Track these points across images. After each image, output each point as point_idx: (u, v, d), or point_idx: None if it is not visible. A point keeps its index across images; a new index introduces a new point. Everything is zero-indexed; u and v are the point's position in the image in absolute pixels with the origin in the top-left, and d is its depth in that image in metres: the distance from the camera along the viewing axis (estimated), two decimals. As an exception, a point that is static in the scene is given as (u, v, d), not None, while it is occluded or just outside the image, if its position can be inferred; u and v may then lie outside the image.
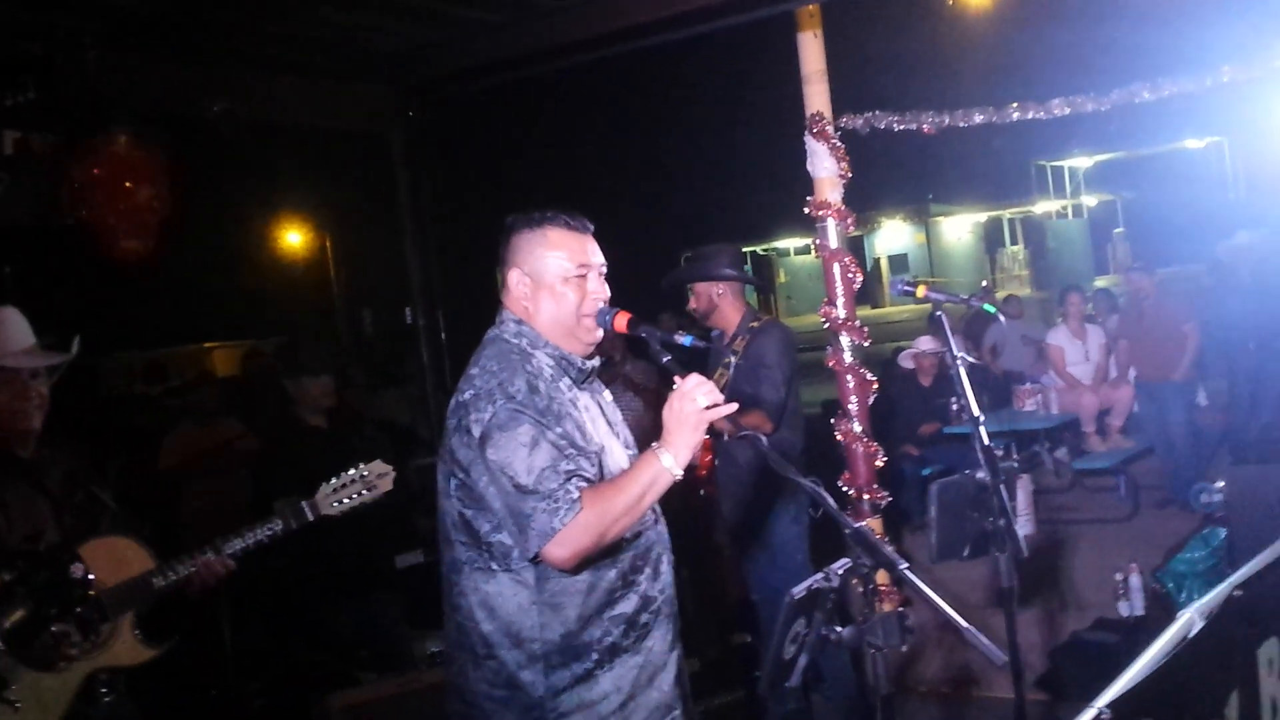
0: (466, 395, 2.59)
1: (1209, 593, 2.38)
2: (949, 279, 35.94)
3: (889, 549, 2.33)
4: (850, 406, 5.25)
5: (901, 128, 5.13)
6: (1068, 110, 4.87)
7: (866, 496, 5.19)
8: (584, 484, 2.48)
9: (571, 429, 2.58)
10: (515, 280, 2.72)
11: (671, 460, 2.46)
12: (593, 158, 30.35)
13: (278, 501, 3.58)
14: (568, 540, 2.43)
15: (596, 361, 2.81)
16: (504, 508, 2.49)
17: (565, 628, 2.57)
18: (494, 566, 2.58)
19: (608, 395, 2.92)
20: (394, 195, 6.85)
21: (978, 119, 5.04)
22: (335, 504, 3.56)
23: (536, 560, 2.50)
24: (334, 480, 3.57)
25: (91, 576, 3.23)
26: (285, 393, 5.27)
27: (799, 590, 2.31)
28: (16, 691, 3.11)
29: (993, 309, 4.45)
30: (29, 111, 4.95)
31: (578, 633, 2.58)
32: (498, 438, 2.49)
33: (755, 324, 5.01)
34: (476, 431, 2.52)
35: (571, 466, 2.49)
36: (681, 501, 4.32)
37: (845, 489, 5.20)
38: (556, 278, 2.69)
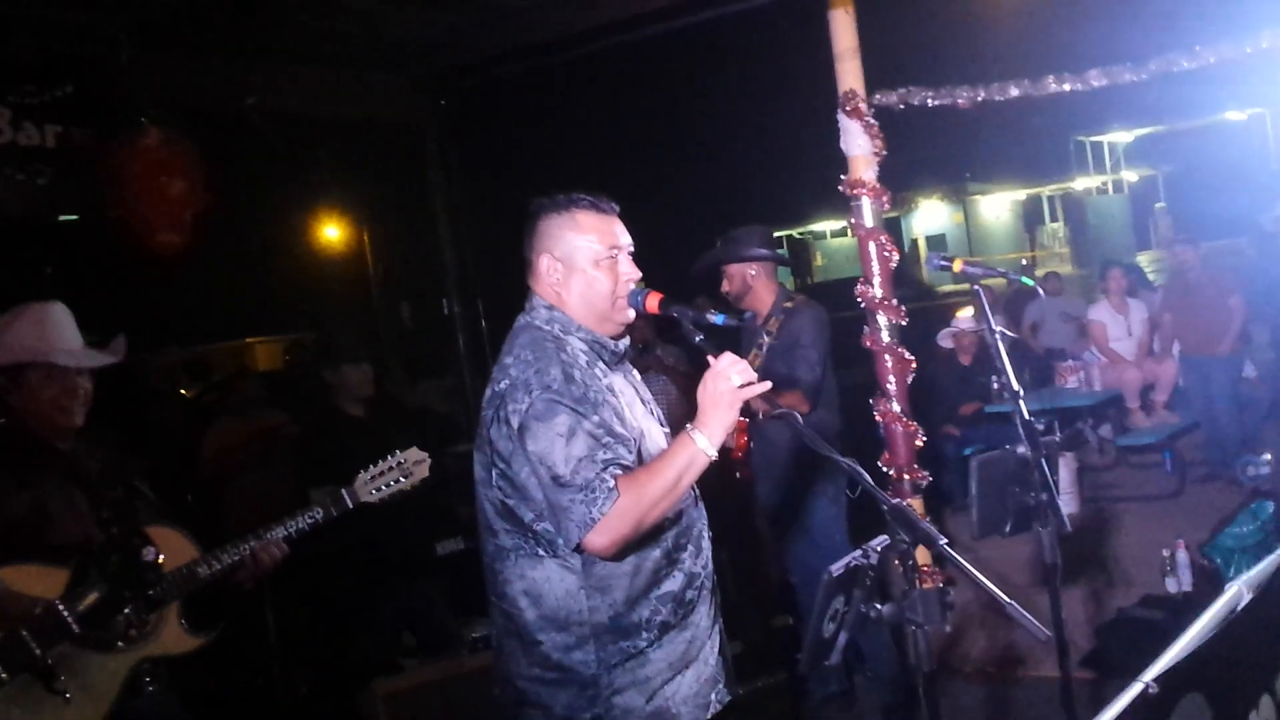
0: (503, 385, 2.58)
1: (1258, 566, 2.34)
2: (989, 257, 35.56)
3: (928, 526, 2.30)
4: (889, 386, 5.21)
5: (936, 103, 5.07)
6: (1105, 81, 4.79)
7: (907, 477, 5.15)
8: (620, 471, 2.47)
9: (609, 416, 2.57)
10: (546, 266, 2.70)
11: (706, 441, 2.45)
12: (625, 142, 30.26)
13: (315, 490, 3.60)
14: (607, 529, 2.42)
15: (627, 342, 2.80)
16: (544, 498, 2.50)
17: (613, 610, 2.58)
18: (540, 553, 2.58)
19: (637, 375, 2.91)
20: (428, 185, 6.87)
21: (1013, 92, 4.97)
22: (373, 491, 3.58)
23: (579, 549, 2.50)
24: (371, 468, 3.60)
25: (162, 559, 3.27)
26: (325, 383, 5.30)
27: (837, 567, 2.30)
28: (65, 683, 3.15)
29: (1030, 282, 4.39)
30: (68, 107, 5.03)
31: (626, 613, 2.59)
32: (535, 428, 2.49)
33: (789, 304, 4.98)
34: (515, 422, 2.52)
35: (609, 455, 2.48)
36: (719, 484, 4.30)
37: (885, 469, 5.17)
38: (588, 261, 2.68)
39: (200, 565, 3.33)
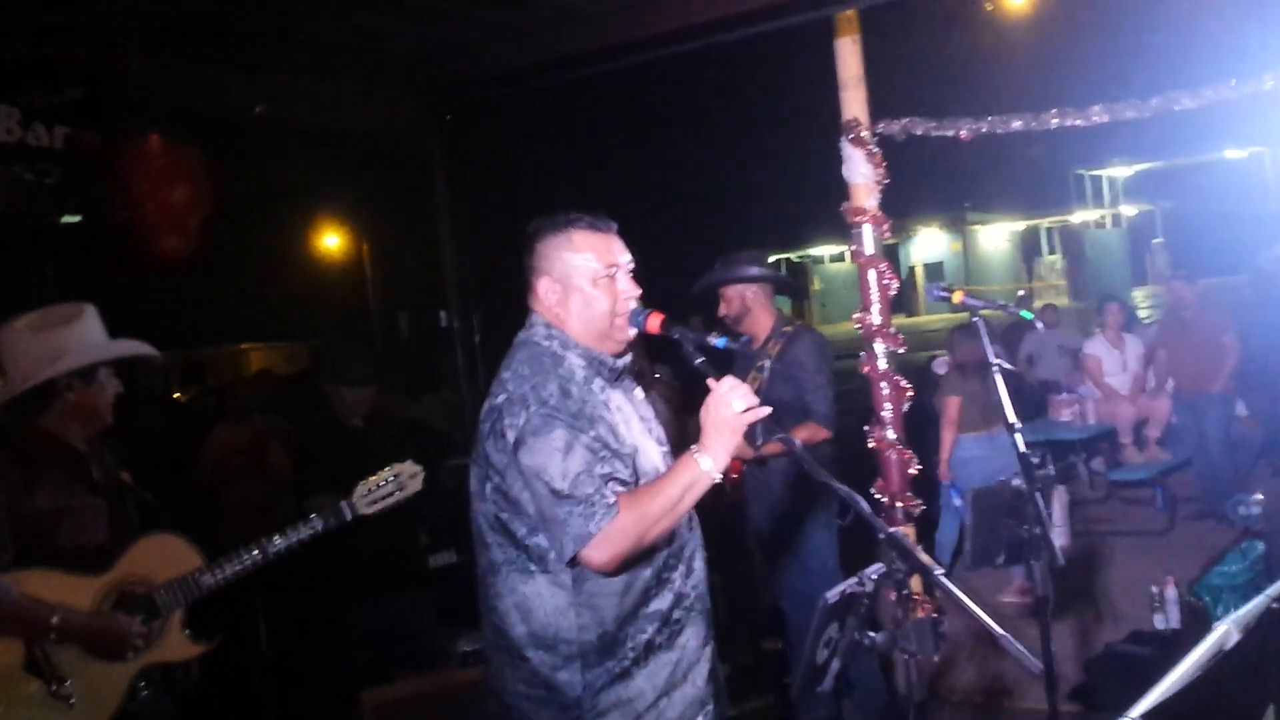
0: (499, 400, 2.60)
1: (1246, 605, 2.35)
2: (985, 287, 35.70)
3: (924, 555, 2.32)
4: (884, 414, 5.23)
5: (939, 134, 5.10)
6: (1107, 118, 4.83)
7: (900, 504, 5.16)
8: (620, 487, 2.49)
9: (605, 431, 2.58)
10: (545, 288, 2.71)
11: (710, 463, 2.46)
12: (626, 163, 30.36)
13: (312, 499, 3.62)
14: (605, 543, 2.44)
15: (628, 359, 2.80)
16: (539, 512, 2.51)
17: (602, 628, 2.58)
18: (532, 568, 2.58)
19: (639, 393, 2.90)
20: (430, 199, 6.89)
21: (1016, 125, 5.01)
22: (371, 504, 3.60)
23: (573, 563, 2.51)
24: (369, 480, 3.62)
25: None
26: (324, 395, 5.33)
27: (833, 594, 2.31)
28: (71, 687, 3.16)
29: (1029, 316, 4.41)
30: (78, 110, 5.05)
31: (614, 633, 2.59)
32: (532, 443, 2.49)
33: (788, 329, 5.00)
34: (510, 437, 2.52)
35: (607, 470, 2.50)
36: (710, 506, 4.32)
37: (878, 496, 5.18)
38: (586, 280, 2.69)
39: (204, 574, 3.35)
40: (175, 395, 14.57)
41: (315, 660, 5.42)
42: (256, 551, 3.41)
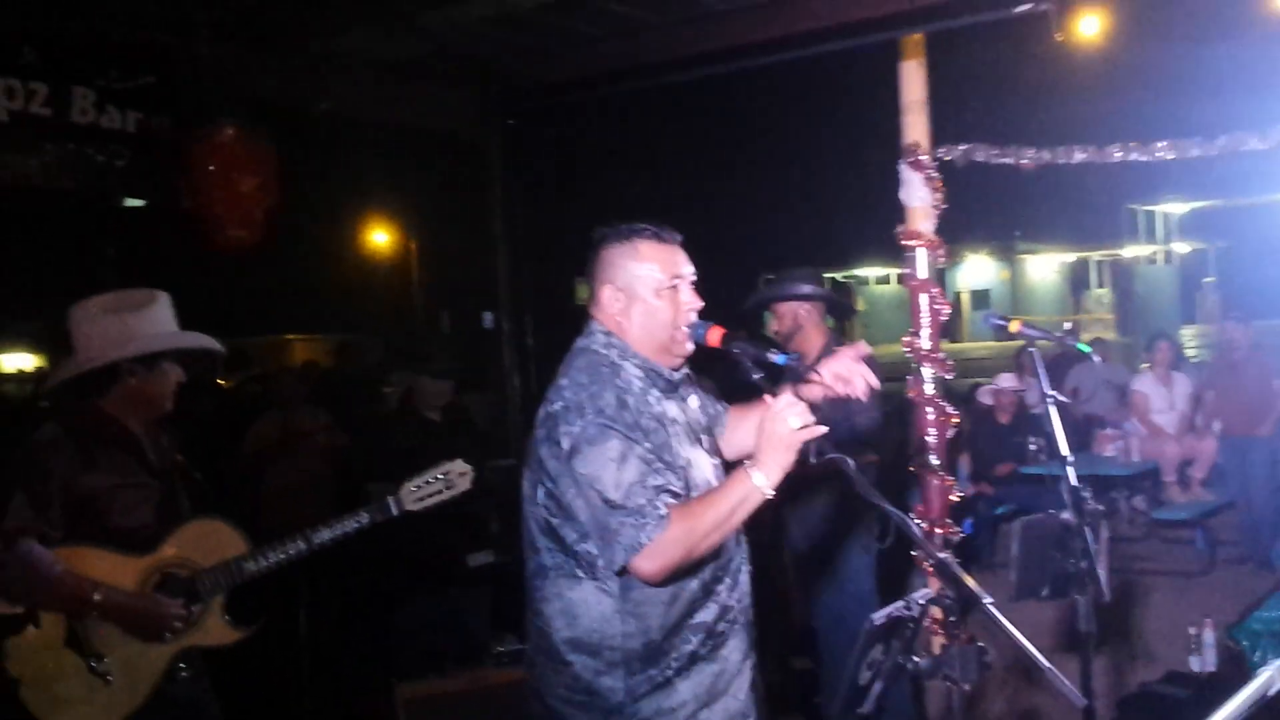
0: (556, 407, 2.61)
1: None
2: (1032, 317, 35.45)
3: (972, 582, 2.31)
4: (928, 439, 5.21)
5: (1001, 161, 5.08)
6: (1173, 154, 4.79)
7: (939, 530, 5.14)
8: (672, 499, 2.50)
9: (659, 444, 2.59)
10: (609, 296, 2.72)
11: (764, 480, 2.46)
12: (679, 174, 30.41)
13: (377, 485, 3.64)
14: (655, 554, 2.45)
15: (685, 371, 2.81)
16: (591, 520, 2.52)
17: (647, 637, 2.59)
18: (579, 574, 2.60)
19: (694, 402, 2.89)
20: (485, 200, 6.94)
21: (1079, 157, 4.98)
22: (418, 500, 3.61)
23: (622, 573, 2.52)
24: (417, 477, 3.63)
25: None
26: (406, 386, 5.41)
27: (879, 616, 2.31)
28: (109, 664, 3.21)
29: (1087, 349, 4.38)
30: (150, 95, 5.14)
31: (659, 642, 2.60)
32: (587, 451, 2.51)
33: (838, 349, 4.98)
34: (566, 444, 2.54)
35: (660, 481, 2.51)
36: (751, 524, 4.32)
37: (918, 521, 5.16)
38: (649, 290, 2.70)
39: (248, 560, 3.38)
40: (220, 381, 14.71)
41: (352, 651, 5.47)
42: (301, 542, 3.43)
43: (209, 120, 5.29)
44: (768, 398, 2.50)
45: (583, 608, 2.60)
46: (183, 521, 3.40)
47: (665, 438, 2.63)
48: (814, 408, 2.49)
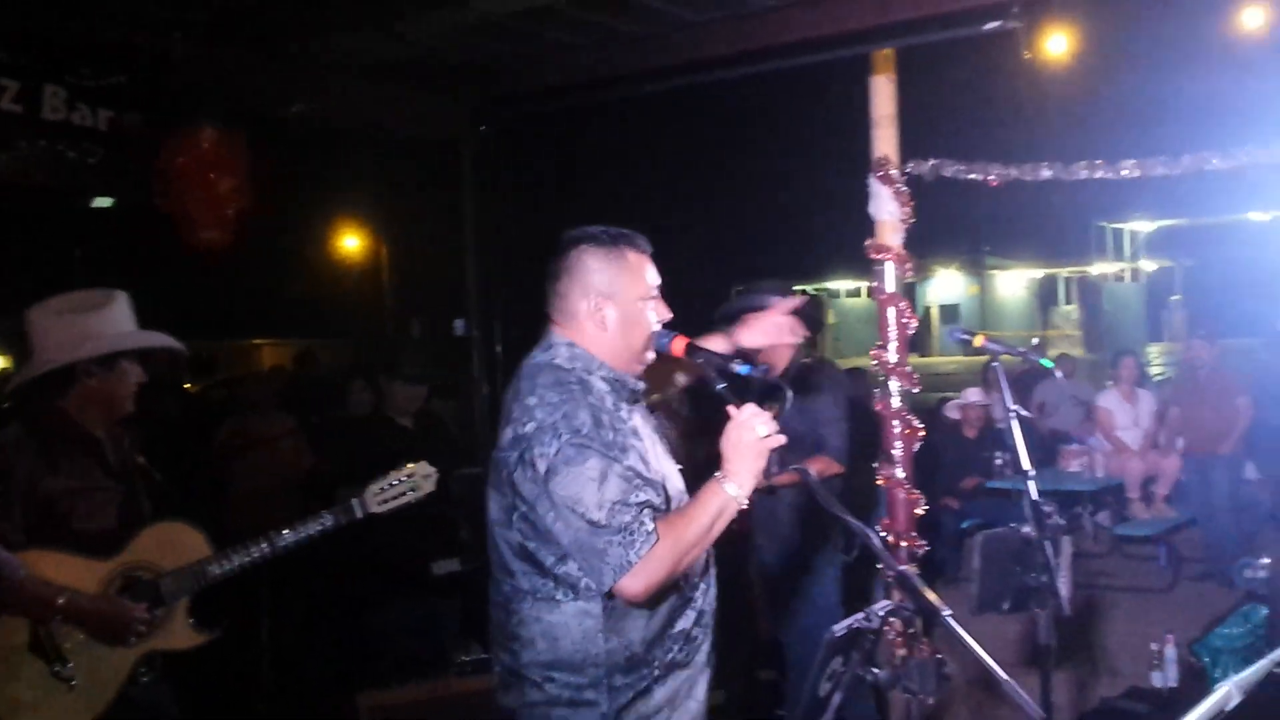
0: (528, 428, 2.52)
1: (1246, 668, 2.35)
2: (1001, 332, 35.66)
3: (932, 595, 2.33)
4: (894, 452, 5.23)
5: (969, 177, 5.12)
6: (1139, 173, 4.85)
7: (905, 544, 5.16)
8: (654, 514, 2.47)
9: (636, 460, 2.56)
10: (586, 304, 2.65)
11: (737, 489, 2.46)
12: (651, 185, 30.47)
13: (346, 489, 3.63)
14: (643, 572, 2.41)
15: (642, 383, 2.79)
16: (574, 542, 2.46)
17: (630, 650, 2.57)
18: (559, 596, 2.55)
19: (649, 415, 2.88)
20: (458, 207, 6.93)
21: (1045, 174, 5.03)
22: (382, 503, 3.60)
23: (610, 594, 2.49)
24: (382, 479, 3.62)
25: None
26: (379, 391, 5.37)
27: (840, 628, 2.32)
28: (73, 668, 3.18)
29: (1050, 364, 4.42)
30: (123, 94, 5.10)
31: (642, 654, 2.59)
32: (565, 472, 2.45)
33: (807, 361, 5.01)
34: (541, 466, 2.47)
35: (643, 497, 2.47)
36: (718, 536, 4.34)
37: (883, 535, 5.18)
38: (633, 299, 2.66)
39: (212, 564, 3.36)
40: (186, 386, 14.63)
41: (317, 656, 5.43)
42: (265, 544, 3.41)
43: (183, 120, 5.26)
44: (730, 408, 2.50)
45: (564, 630, 2.55)
46: (146, 524, 3.37)
47: (641, 453, 2.61)
48: (779, 418, 2.50)
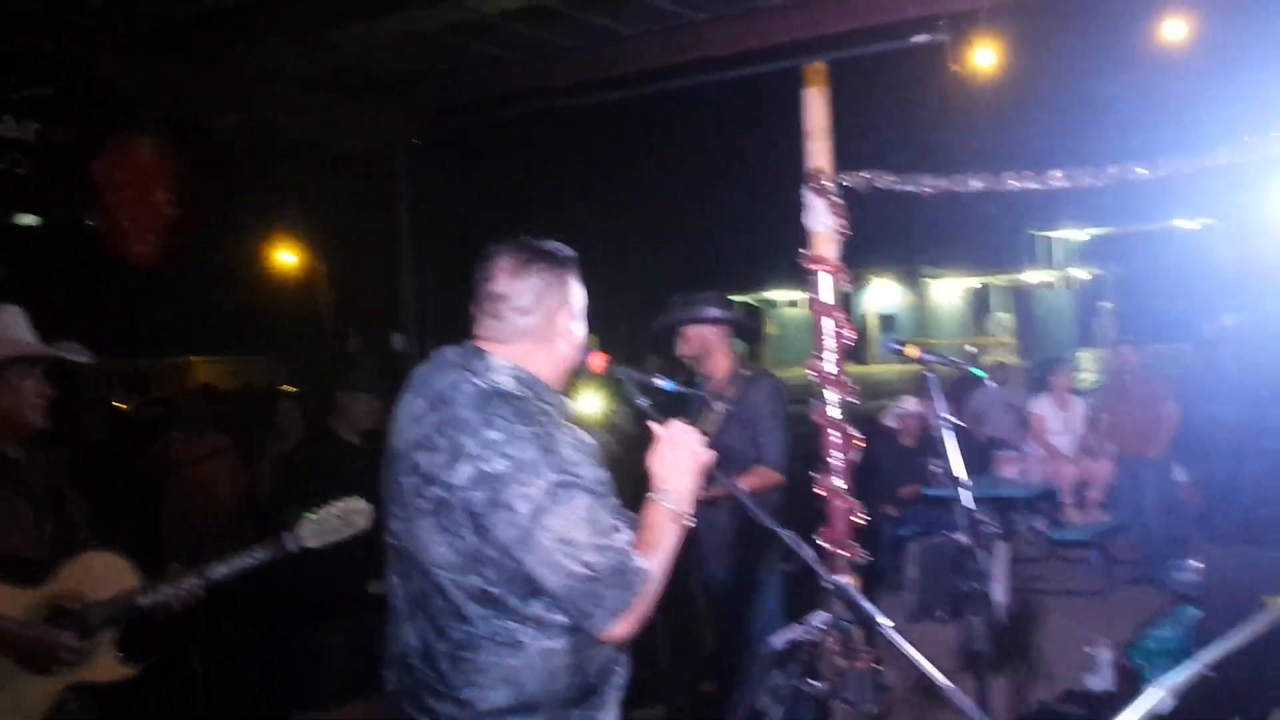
0: (500, 466, 2.32)
1: (1179, 670, 2.39)
2: (937, 340, 36.09)
3: (869, 605, 2.33)
4: (833, 461, 5.25)
5: (902, 189, 5.16)
6: (1067, 184, 4.91)
7: (844, 553, 5.18)
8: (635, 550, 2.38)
9: (610, 491, 2.44)
10: (534, 324, 2.51)
11: (682, 506, 2.43)
12: (588, 196, 30.43)
13: (292, 508, 3.58)
14: (635, 612, 2.34)
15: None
16: (565, 588, 2.32)
17: (585, 680, 2.49)
18: (522, 638, 2.41)
19: None
20: (393, 220, 6.89)
21: (976, 185, 5.05)
22: (317, 538, 3.54)
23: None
24: (316, 513, 3.56)
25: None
26: (329, 405, 5.25)
27: (777, 641, 2.31)
28: None
29: (982, 374, 4.47)
30: (50, 106, 5.02)
31: (594, 684, 2.52)
32: (555, 513, 2.30)
33: (747, 372, 5.03)
34: (524, 508, 2.30)
35: (628, 535, 2.38)
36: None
37: (823, 544, 5.19)
38: (577, 317, 2.60)
39: (140, 595, 3.29)
40: (117, 405, 14.35)
41: (253, 679, 5.34)
42: (196, 578, 3.36)
43: (114, 132, 5.18)
44: (653, 424, 2.47)
45: (528, 672, 2.42)
46: (75, 552, 3.30)
47: (609, 482, 2.46)
48: (713, 431, 2.50)
